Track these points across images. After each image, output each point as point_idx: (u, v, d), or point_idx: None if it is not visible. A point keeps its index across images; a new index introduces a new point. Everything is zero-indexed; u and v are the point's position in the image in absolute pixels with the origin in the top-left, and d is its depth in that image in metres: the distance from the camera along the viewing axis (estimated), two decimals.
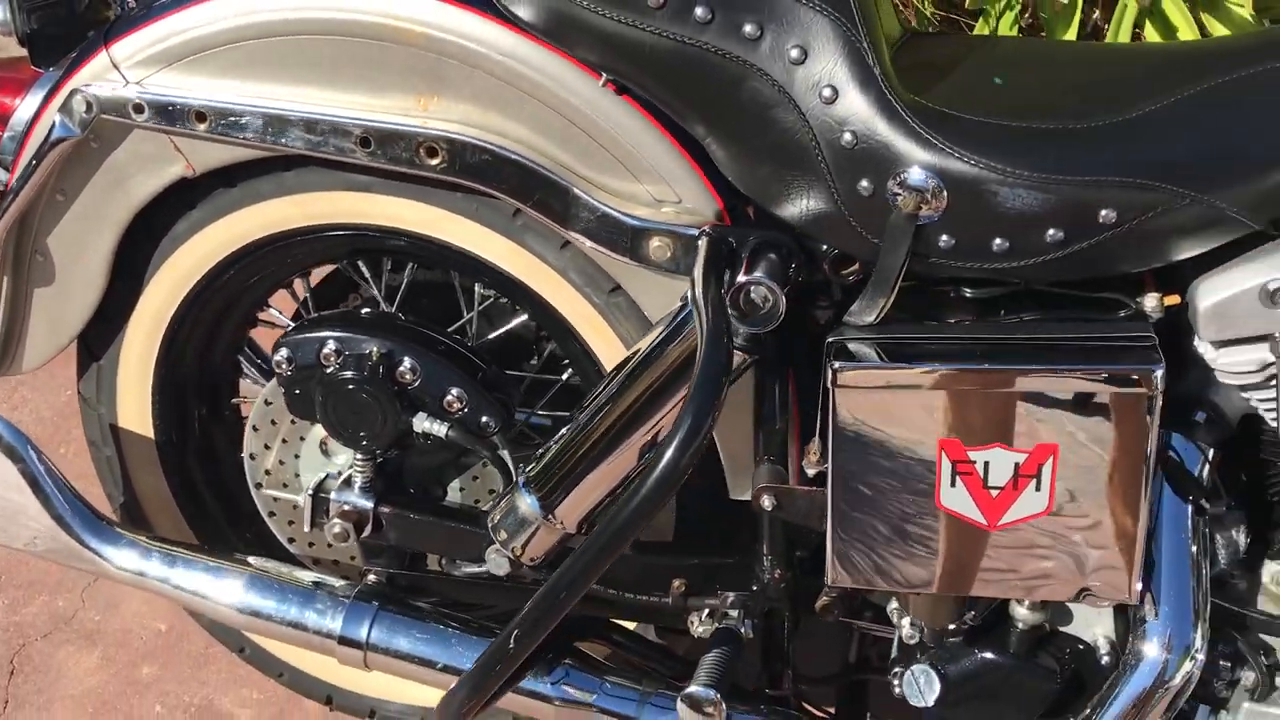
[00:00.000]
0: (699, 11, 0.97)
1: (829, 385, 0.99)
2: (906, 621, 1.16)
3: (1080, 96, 1.02)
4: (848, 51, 0.96)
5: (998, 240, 0.96)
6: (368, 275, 1.34)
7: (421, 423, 1.20)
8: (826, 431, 1.02)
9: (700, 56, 0.99)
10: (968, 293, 1.05)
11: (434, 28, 1.06)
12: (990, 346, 0.99)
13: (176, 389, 1.39)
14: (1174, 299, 1.03)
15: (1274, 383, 1.02)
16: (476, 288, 1.33)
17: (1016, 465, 0.99)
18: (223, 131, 1.13)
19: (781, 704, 1.23)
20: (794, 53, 0.97)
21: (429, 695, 1.47)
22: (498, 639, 1.10)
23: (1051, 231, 0.95)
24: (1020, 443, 0.98)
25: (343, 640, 1.25)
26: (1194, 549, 1.08)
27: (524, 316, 1.32)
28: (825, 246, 1.05)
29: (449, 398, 1.20)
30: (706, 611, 1.21)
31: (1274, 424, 1.04)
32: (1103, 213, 0.94)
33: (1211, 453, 1.09)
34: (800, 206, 1.01)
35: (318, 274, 1.44)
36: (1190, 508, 1.08)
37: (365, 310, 1.31)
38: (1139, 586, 1.03)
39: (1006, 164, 0.94)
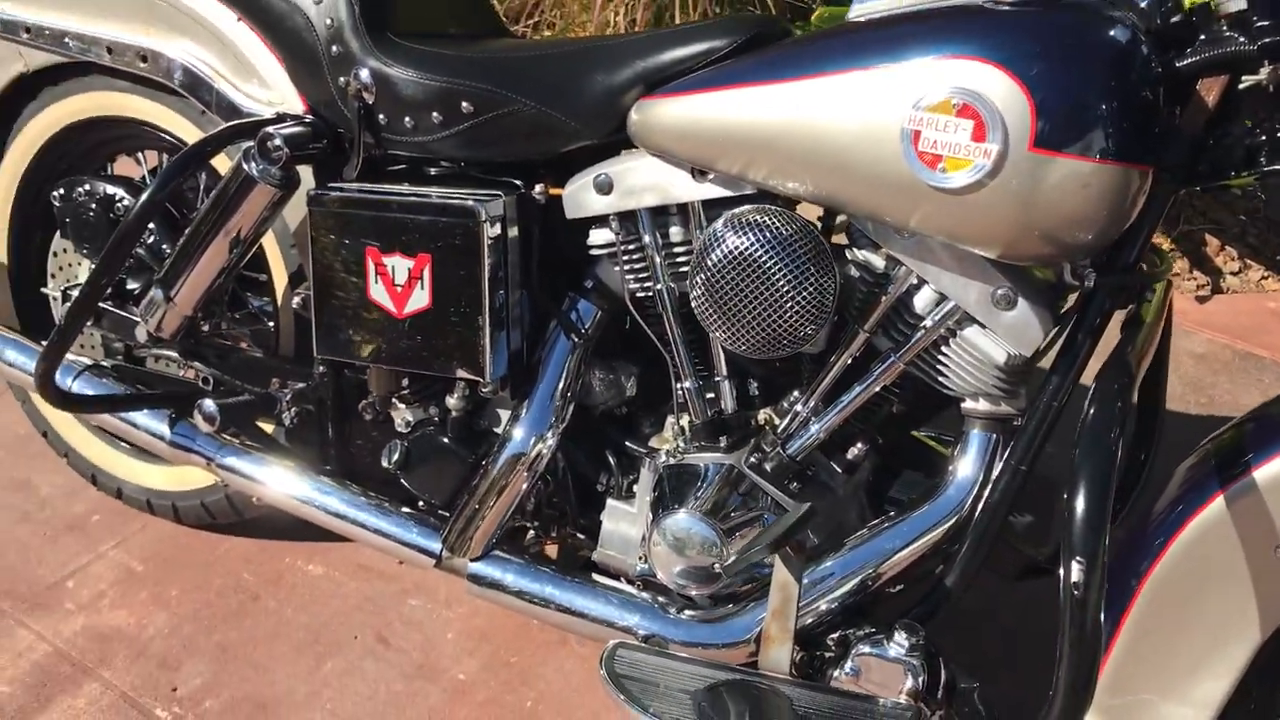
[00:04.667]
0: None
1: (308, 206, 1.53)
2: (398, 414, 1.65)
3: (487, 44, 1.55)
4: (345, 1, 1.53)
5: (408, 119, 1.49)
6: (143, 159, 1.97)
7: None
8: None
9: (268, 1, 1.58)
10: (432, 171, 1.58)
11: None
12: (402, 193, 1.51)
13: (26, 227, 2.03)
14: (558, 190, 1.52)
15: (619, 254, 1.49)
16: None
17: (409, 269, 1.49)
18: (38, 40, 1.79)
19: (297, 457, 1.73)
20: None
21: (153, 479, 2.02)
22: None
23: (435, 115, 1.47)
24: (410, 252, 1.49)
25: (43, 385, 1.78)
26: (566, 373, 1.53)
27: None
28: (340, 130, 1.59)
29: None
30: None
31: (632, 289, 1.49)
32: (464, 104, 1.45)
33: (599, 313, 1.55)
34: (322, 98, 1.57)
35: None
36: (571, 346, 1.54)
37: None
38: (493, 372, 1.49)
39: (410, 69, 1.48)
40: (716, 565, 1.41)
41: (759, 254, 1.30)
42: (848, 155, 1.23)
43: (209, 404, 1.63)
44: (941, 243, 1.26)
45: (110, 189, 1.81)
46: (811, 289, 1.30)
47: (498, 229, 1.45)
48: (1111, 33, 1.15)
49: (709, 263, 1.33)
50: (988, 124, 1.14)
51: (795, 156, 1.27)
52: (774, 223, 1.31)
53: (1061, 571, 1.13)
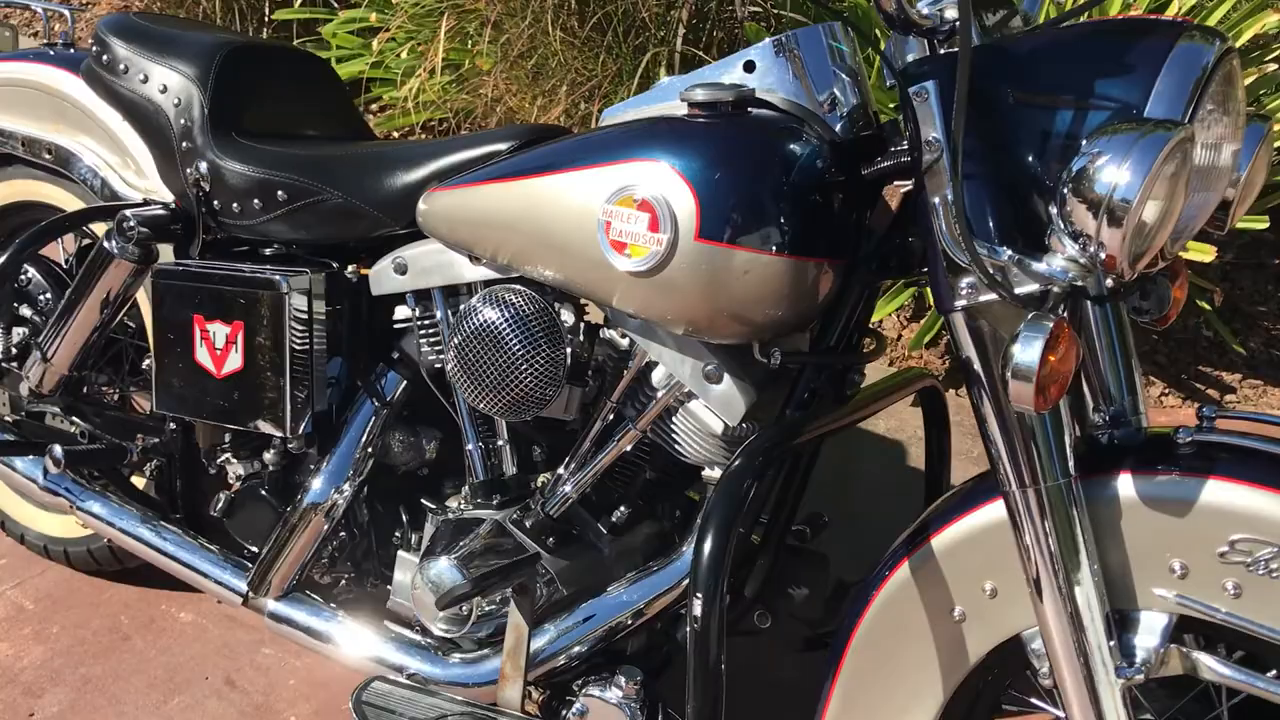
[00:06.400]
0: (140, 76, 1.82)
1: (151, 279, 1.75)
2: (230, 468, 1.83)
3: (324, 145, 1.77)
4: (196, 104, 1.77)
5: (235, 205, 1.72)
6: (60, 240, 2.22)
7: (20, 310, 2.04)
8: None
9: (140, 100, 1.83)
10: (266, 252, 1.79)
11: (54, 84, 1.97)
12: (223, 268, 1.72)
13: None
14: (367, 270, 1.72)
15: (416, 328, 1.67)
16: None
17: (226, 335, 1.70)
18: None
19: (151, 505, 1.92)
20: (175, 100, 1.79)
21: (50, 526, 2.23)
22: None
23: (256, 202, 1.69)
24: (227, 319, 1.69)
25: None
26: (368, 434, 1.71)
27: None
28: (192, 214, 1.82)
29: (41, 298, 2.03)
30: None
31: (429, 360, 1.67)
32: (279, 193, 1.67)
33: (403, 381, 1.73)
34: (176, 187, 1.81)
35: None
36: (374, 410, 1.73)
37: None
38: (295, 428, 1.68)
39: (238, 163, 1.71)
40: (464, 607, 1.56)
41: (499, 326, 1.48)
42: (562, 242, 1.41)
43: (56, 449, 1.85)
44: (657, 323, 1.43)
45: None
46: (543, 358, 1.47)
47: (302, 300, 1.65)
48: (787, 144, 1.32)
49: (461, 330, 1.51)
50: (661, 216, 1.31)
51: (528, 241, 1.45)
52: (515, 300, 1.49)
53: (686, 607, 1.26)
